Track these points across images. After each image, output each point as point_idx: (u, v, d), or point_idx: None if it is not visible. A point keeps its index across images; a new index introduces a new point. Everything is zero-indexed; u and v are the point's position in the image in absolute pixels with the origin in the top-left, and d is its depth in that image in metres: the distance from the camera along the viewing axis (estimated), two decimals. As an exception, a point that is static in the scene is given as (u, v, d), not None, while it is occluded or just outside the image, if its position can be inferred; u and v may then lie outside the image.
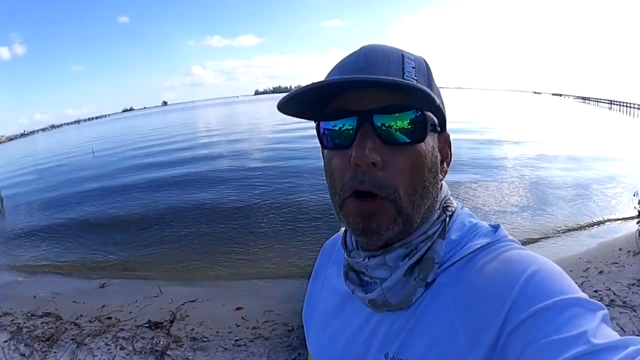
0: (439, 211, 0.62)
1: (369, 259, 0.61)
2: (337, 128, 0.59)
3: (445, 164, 0.65)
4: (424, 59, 0.63)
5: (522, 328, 0.46)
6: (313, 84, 0.55)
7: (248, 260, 6.84)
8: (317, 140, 0.63)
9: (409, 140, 0.56)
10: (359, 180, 0.55)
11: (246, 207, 9.69)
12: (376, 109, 0.55)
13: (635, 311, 3.83)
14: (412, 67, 0.58)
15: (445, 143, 0.65)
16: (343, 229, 0.70)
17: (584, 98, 69.16)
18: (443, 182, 0.65)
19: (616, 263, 5.32)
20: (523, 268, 0.50)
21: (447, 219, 0.61)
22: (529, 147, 16.06)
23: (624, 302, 4.04)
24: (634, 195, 5.83)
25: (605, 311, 0.46)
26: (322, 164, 0.64)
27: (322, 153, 0.65)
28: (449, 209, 0.63)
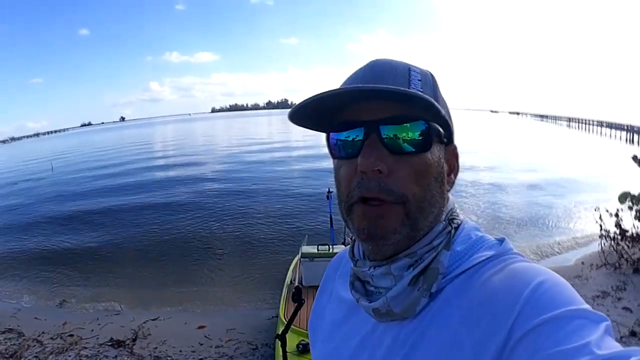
0: (444, 222, 0.62)
1: (374, 269, 0.61)
2: (344, 138, 0.60)
3: (452, 175, 0.66)
4: (430, 72, 0.64)
5: (527, 339, 0.46)
6: (321, 93, 0.57)
7: (208, 280, 6.84)
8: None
9: (414, 150, 0.57)
10: (366, 187, 0.57)
11: (203, 226, 9.73)
12: (382, 119, 0.57)
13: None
14: (418, 80, 0.60)
15: (452, 155, 0.66)
16: (350, 244, 0.71)
17: (541, 116, 71.83)
18: (449, 194, 0.65)
19: (579, 276, 5.52)
20: (528, 280, 0.51)
21: (453, 230, 0.62)
22: (487, 163, 17.09)
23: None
24: (594, 210, 5.90)
25: (608, 322, 0.47)
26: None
27: (333, 163, 0.66)
28: (455, 221, 0.63)
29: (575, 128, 45.94)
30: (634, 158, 5.90)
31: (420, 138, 0.57)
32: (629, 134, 31.00)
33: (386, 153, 0.57)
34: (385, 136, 0.57)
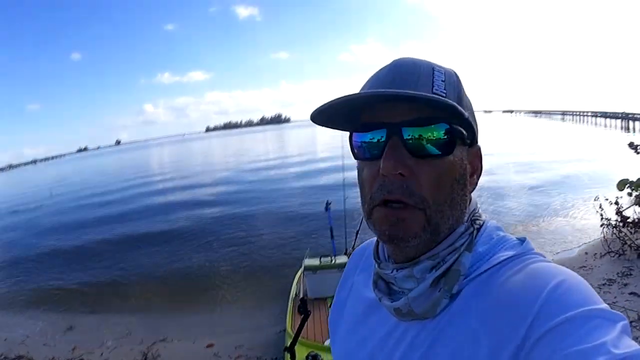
0: (466, 224, 0.62)
1: (397, 271, 0.62)
2: (368, 140, 0.61)
3: (475, 176, 0.66)
4: (454, 72, 0.64)
5: (545, 339, 0.46)
6: (345, 96, 0.57)
7: (214, 298, 6.80)
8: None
9: (437, 152, 0.57)
10: (388, 190, 0.57)
11: (205, 246, 9.72)
12: (405, 122, 0.57)
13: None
14: (442, 81, 0.59)
15: (475, 156, 0.65)
16: (375, 238, 0.71)
17: (535, 112, 72.15)
18: (472, 195, 0.65)
19: (584, 267, 5.52)
20: (547, 280, 0.51)
21: (475, 231, 0.62)
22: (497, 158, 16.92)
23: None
24: (594, 199, 5.89)
25: (626, 321, 0.47)
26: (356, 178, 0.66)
27: (357, 164, 0.66)
28: (477, 222, 0.63)
29: (570, 121, 46.09)
30: (631, 145, 5.91)
31: (442, 140, 0.57)
32: (623, 121, 31.11)
33: (408, 155, 0.57)
34: (407, 138, 0.57)
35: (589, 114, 41.68)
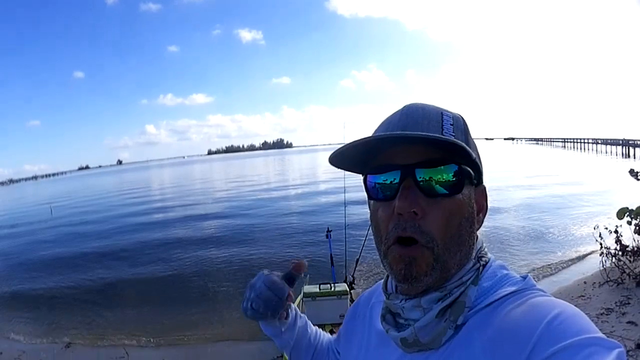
0: (474, 260, 0.65)
1: (405, 301, 0.64)
2: (381, 181, 0.64)
3: (481, 215, 0.68)
4: (461, 116, 0.68)
5: None
6: (363, 139, 0.61)
7: (212, 319, 6.69)
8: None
9: (447, 192, 0.61)
10: (402, 228, 0.60)
11: (204, 267, 9.66)
12: (418, 163, 0.61)
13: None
14: (450, 124, 0.63)
15: (481, 195, 0.68)
16: (381, 281, 0.76)
17: (536, 139, 72.27)
18: (478, 233, 0.68)
19: (582, 296, 5.49)
20: (546, 312, 0.53)
21: (481, 267, 0.64)
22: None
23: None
24: (594, 228, 5.89)
25: (622, 349, 0.48)
26: (369, 215, 0.69)
27: (369, 204, 0.69)
28: (483, 259, 0.66)
29: (570, 148, 46.18)
30: (631, 172, 5.93)
31: (452, 180, 0.61)
32: (624, 148, 31.23)
33: (421, 195, 0.60)
34: (420, 179, 0.61)
35: (590, 141, 41.87)
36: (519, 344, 0.51)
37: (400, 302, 0.65)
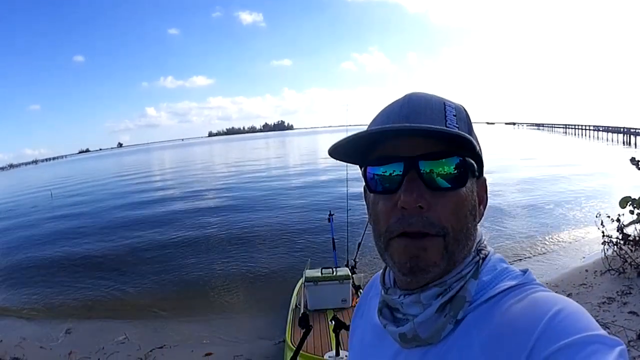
0: (473, 253, 0.63)
1: (404, 297, 0.62)
2: (384, 173, 0.61)
3: (481, 207, 0.67)
4: (463, 107, 0.65)
5: None
6: (365, 131, 0.59)
7: (213, 306, 6.76)
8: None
9: (451, 185, 0.59)
10: (407, 223, 0.58)
11: (205, 253, 9.67)
12: (421, 155, 0.58)
13: (608, 328, 3.89)
14: (453, 115, 0.61)
15: (481, 188, 0.67)
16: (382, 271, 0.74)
17: (537, 125, 72.20)
18: (478, 225, 0.66)
19: (584, 284, 5.50)
20: (547, 308, 0.52)
21: (481, 261, 0.63)
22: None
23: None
24: (596, 216, 5.87)
25: (623, 347, 0.48)
26: (366, 208, 0.67)
27: (365, 197, 0.67)
28: (483, 252, 0.65)
29: (571, 135, 46.13)
30: (632, 160, 5.90)
31: (457, 173, 0.59)
32: (625, 136, 31.15)
33: (425, 188, 0.58)
34: (423, 172, 0.58)
35: (591, 127, 41.78)
36: (519, 340, 0.50)
37: (399, 297, 0.63)
